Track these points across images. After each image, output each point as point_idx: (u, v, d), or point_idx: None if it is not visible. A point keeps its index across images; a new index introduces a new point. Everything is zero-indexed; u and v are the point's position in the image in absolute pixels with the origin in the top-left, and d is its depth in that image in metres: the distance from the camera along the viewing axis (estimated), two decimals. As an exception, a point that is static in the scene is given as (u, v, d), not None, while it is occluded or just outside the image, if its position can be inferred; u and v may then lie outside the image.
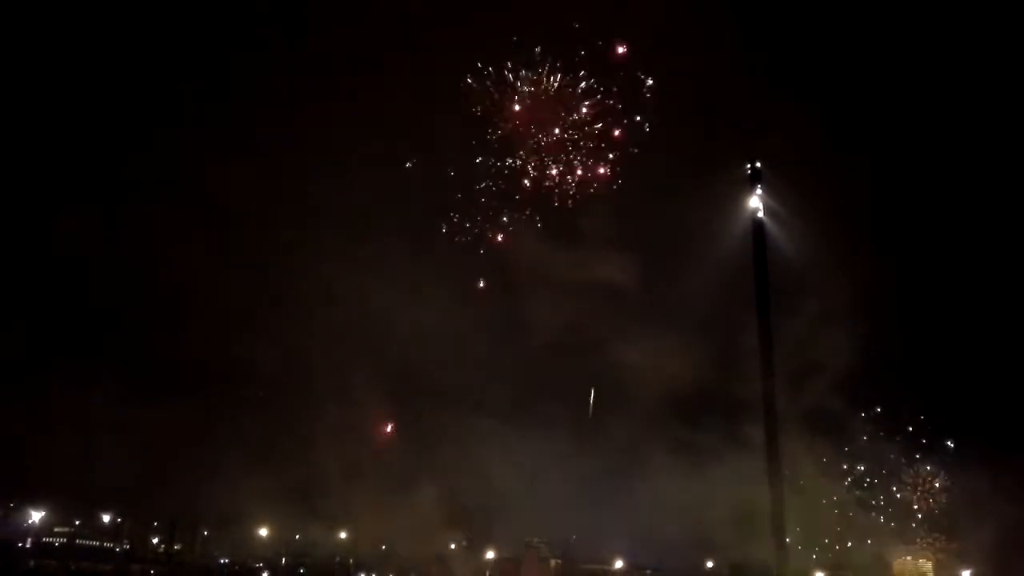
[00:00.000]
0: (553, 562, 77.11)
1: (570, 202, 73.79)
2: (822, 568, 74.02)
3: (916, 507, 76.09)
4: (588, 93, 72.24)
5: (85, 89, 71.00)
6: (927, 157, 70.73)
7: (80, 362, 72.41)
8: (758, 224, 69.51)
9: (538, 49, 71.89)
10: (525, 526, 75.93)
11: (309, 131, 72.99)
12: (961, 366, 69.99)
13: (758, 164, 70.15)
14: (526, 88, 72.84)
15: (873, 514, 76.80)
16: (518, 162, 74.30)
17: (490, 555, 76.02)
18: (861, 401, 73.06)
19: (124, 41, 71.58)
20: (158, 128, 72.11)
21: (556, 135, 73.67)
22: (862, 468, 77.91)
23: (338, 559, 78.99)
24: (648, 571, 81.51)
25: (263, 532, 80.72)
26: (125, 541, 75.76)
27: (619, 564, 78.05)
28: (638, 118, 71.71)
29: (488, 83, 72.86)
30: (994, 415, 67.96)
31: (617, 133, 72.56)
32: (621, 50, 71.42)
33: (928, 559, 71.70)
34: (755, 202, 69.98)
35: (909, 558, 72.12)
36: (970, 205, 70.28)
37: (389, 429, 77.90)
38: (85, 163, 72.93)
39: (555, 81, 72.31)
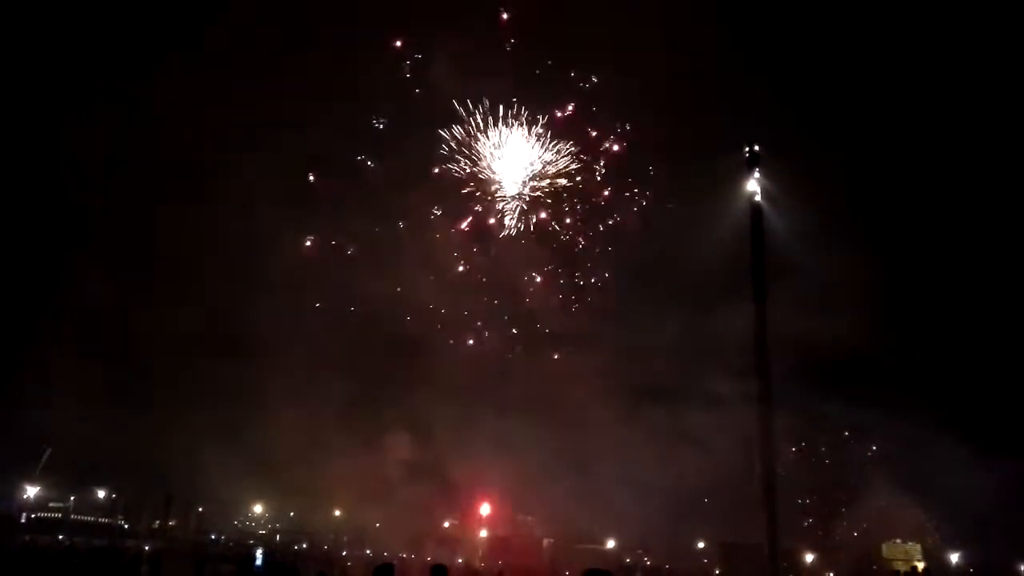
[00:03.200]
0: (545, 541, 77.71)
1: None
2: (812, 550, 74.72)
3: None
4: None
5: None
6: (928, 146, 70.47)
7: (72, 334, 72.49)
8: (756, 208, 69.25)
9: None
10: (517, 506, 76.58)
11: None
12: (955, 354, 70.25)
13: (756, 148, 69.74)
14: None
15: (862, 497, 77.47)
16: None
17: (483, 534, 76.43)
18: (851, 386, 73.14)
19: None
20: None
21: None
22: (851, 451, 78.54)
23: (332, 536, 79.57)
24: (639, 550, 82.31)
25: (258, 509, 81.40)
26: (120, 517, 76.10)
27: (611, 544, 78.72)
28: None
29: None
30: (984, 403, 68.25)
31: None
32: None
33: (917, 542, 72.35)
34: (753, 186, 69.67)
35: (898, 541, 72.77)
36: (971, 195, 70.10)
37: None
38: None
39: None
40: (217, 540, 75.35)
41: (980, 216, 70.08)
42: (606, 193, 74.44)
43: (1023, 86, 68.24)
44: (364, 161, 74.23)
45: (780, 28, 72.05)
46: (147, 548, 61.11)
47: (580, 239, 75.52)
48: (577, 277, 75.94)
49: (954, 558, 71.37)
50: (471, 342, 75.73)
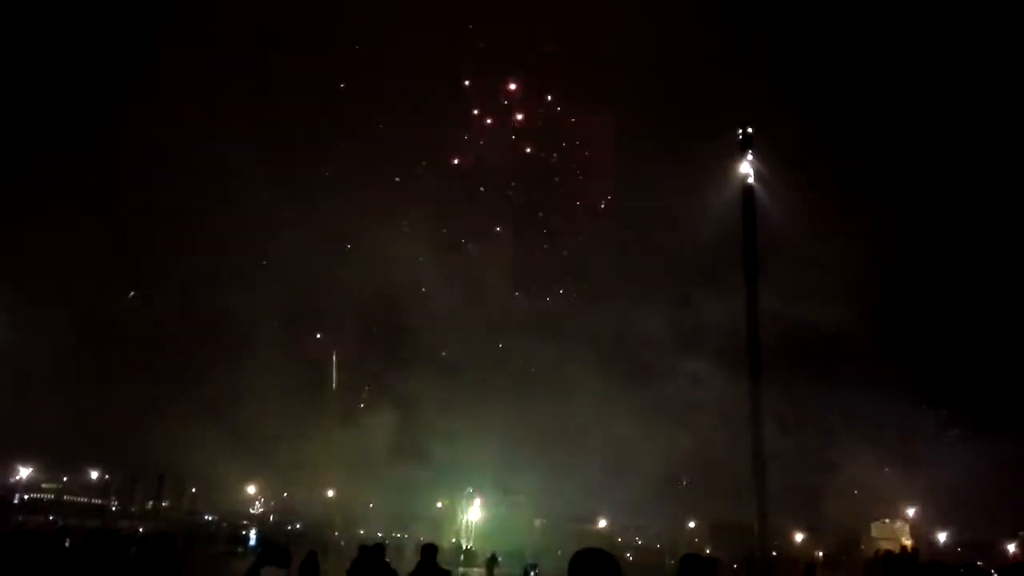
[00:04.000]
0: (537, 521, 78.15)
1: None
2: (801, 529, 75.28)
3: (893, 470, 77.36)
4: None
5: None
6: (922, 129, 70.47)
7: (65, 317, 72.27)
8: (748, 190, 69.13)
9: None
10: (507, 485, 76.94)
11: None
12: (943, 334, 70.64)
13: (750, 130, 69.52)
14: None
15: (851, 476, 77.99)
16: None
17: (474, 514, 76.79)
18: (842, 366, 73.57)
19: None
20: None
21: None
22: (839, 431, 78.94)
23: (324, 516, 79.70)
24: (631, 529, 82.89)
25: (251, 490, 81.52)
26: (113, 498, 76.00)
27: (603, 523, 79.21)
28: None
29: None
30: (972, 383, 68.72)
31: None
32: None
33: (905, 521, 72.99)
34: (745, 168, 69.50)
35: (887, 520, 73.40)
36: (965, 178, 70.21)
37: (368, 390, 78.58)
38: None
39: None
40: (210, 521, 75.50)
41: (968, 200, 70.30)
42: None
43: (1010, 74, 68.02)
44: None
45: (775, 12, 71.80)
46: (140, 529, 61.23)
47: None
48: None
49: (942, 537, 72.08)
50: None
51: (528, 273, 76.72)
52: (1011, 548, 68.40)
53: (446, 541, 66.83)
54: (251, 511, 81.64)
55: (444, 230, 75.82)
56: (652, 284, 72.63)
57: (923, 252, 69.83)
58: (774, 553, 68.60)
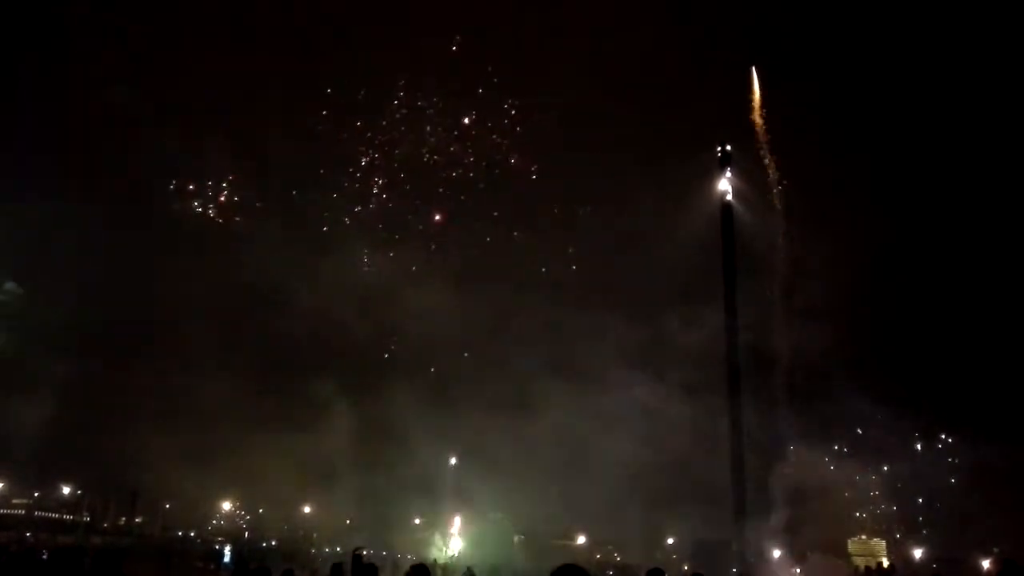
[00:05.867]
0: (516, 538, 77.75)
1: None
2: (779, 546, 75.36)
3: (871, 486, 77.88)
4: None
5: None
6: (907, 141, 71.33)
7: (38, 330, 71.43)
8: (727, 207, 69.71)
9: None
10: (485, 502, 76.56)
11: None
12: (922, 353, 71.38)
13: (728, 147, 70.18)
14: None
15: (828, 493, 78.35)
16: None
17: (455, 531, 76.23)
18: (819, 384, 74.05)
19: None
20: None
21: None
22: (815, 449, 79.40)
23: (301, 533, 79.04)
24: (610, 546, 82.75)
25: (226, 506, 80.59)
26: (85, 513, 74.81)
27: (582, 540, 78.99)
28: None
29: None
30: (950, 401, 69.46)
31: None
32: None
33: (882, 538, 73.40)
34: (724, 185, 70.12)
35: (863, 537, 73.79)
36: (951, 188, 71.04)
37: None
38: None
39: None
40: (184, 537, 74.47)
41: (952, 217, 71.20)
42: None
43: (994, 82, 69.11)
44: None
45: (756, 24, 72.61)
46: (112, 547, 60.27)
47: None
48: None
49: (917, 553, 72.53)
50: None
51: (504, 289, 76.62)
52: (985, 564, 68.92)
53: (426, 557, 66.35)
54: (226, 527, 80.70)
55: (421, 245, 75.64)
56: (634, 300, 72.81)
57: (904, 271, 70.71)
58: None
